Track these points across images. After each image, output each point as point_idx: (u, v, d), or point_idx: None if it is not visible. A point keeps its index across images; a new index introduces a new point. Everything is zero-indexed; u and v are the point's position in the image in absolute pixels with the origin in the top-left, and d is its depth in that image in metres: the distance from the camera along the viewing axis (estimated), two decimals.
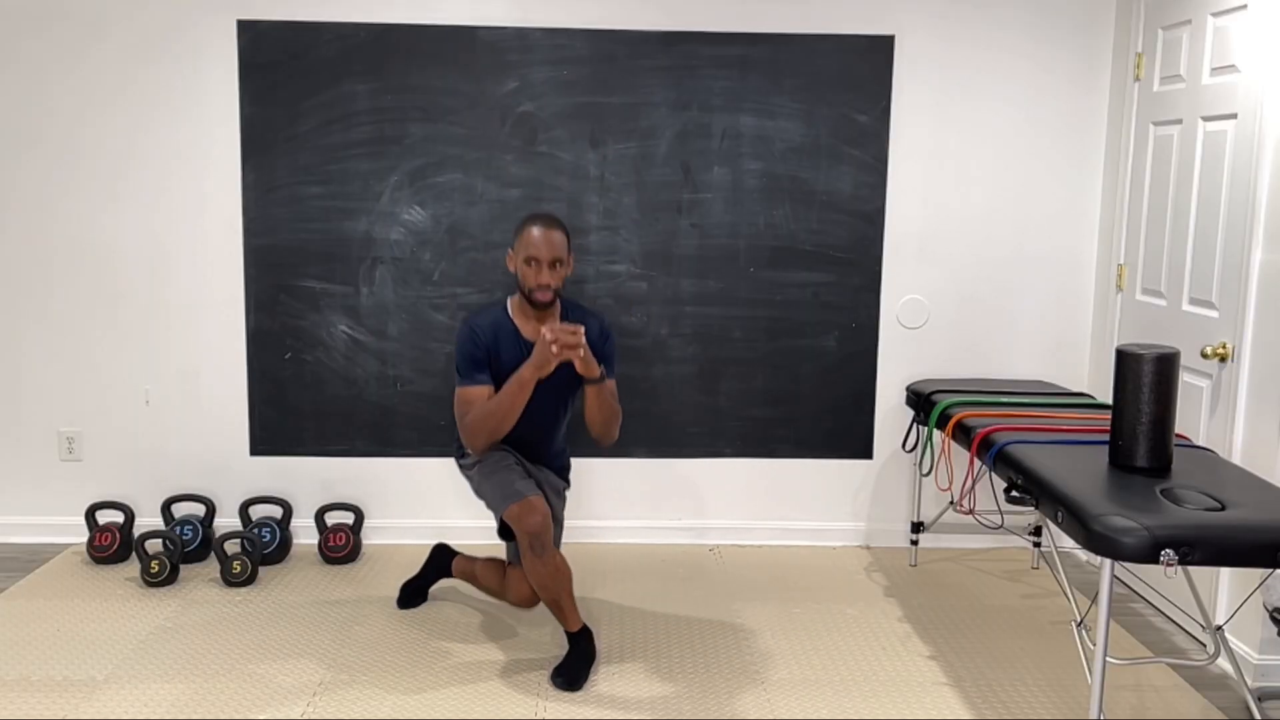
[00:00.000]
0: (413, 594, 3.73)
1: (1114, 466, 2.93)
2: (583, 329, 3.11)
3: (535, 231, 3.25)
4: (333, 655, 3.35)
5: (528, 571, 3.19)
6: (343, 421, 4.27)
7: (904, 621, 3.67)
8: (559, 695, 3.12)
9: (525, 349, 3.26)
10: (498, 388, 3.25)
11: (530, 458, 3.41)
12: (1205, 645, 3.50)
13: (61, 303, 4.20)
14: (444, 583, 3.84)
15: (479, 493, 3.37)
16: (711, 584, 3.98)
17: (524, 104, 4.12)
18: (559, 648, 3.33)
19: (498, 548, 4.15)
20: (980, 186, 4.25)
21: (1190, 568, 2.89)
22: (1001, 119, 4.22)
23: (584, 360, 3.12)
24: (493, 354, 3.29)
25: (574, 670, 3.19)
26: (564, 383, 3.28)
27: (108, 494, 4.27)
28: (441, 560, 3.74)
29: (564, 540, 3.50)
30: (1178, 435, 3.17)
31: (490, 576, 3.50)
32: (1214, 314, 3.50)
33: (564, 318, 3.35)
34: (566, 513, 3.57)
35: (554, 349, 3.06)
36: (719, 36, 4.11)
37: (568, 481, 3.57)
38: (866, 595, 3.89)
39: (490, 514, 3.37)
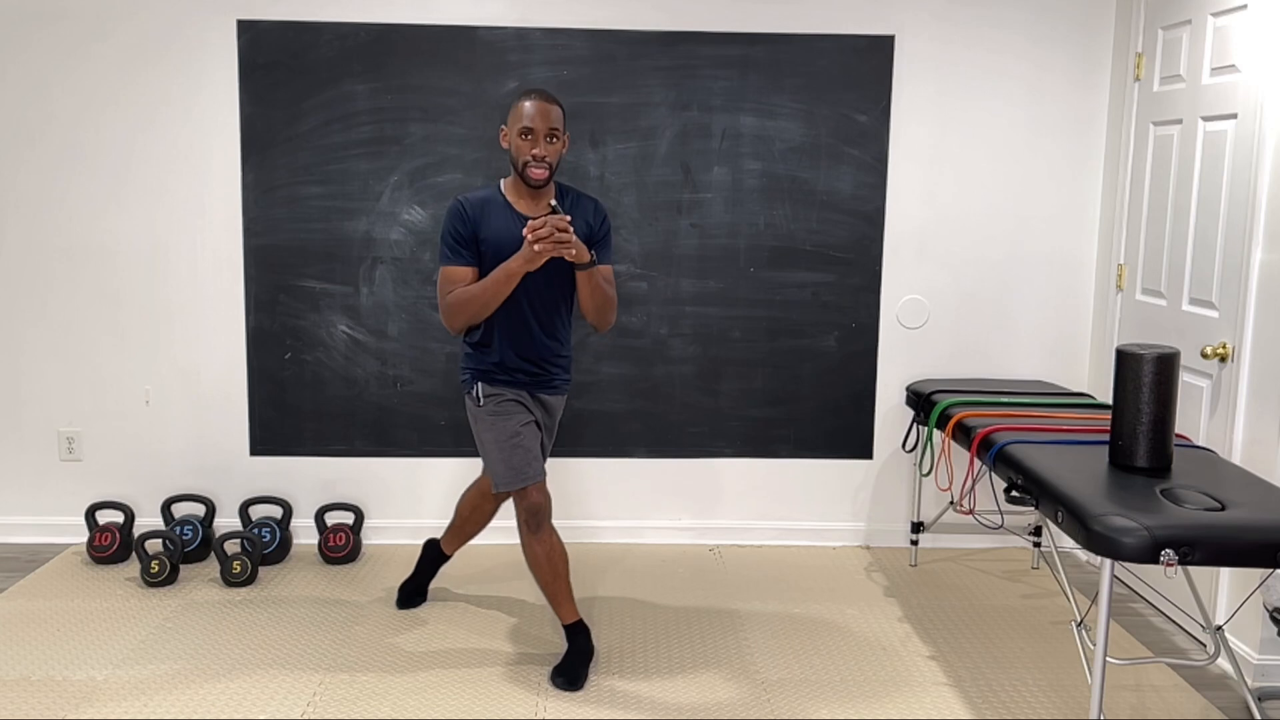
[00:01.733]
0: (411, 594, 3.73)
1: (1114, 466, 2.93)
2: (568, 219, 2.98)
3: (530, 103, 3.08)
4: (333, 655, 3.34)
5: (523, 546, 3.19)
6: (343, 421, 4.27)
7: (904, 621, 3.67)
8: (559, 695, 3.12)
9: (517, 221, 3.13)
10: (486, 264, 3.14)
11: (534, 356, 3.25)
12: (1205, 645, 3.50)
13: (61, 303, 4.20)
14: (442, 583, 3.84)
15: (479, 440, 3.24)
16: (711, 584, 3.98)
17: None
18: (559, 647, 3.33)
19: (495, 549, 4.16)
20: (980, 186, 4.25)
21: (1190, 568, 2.89)
22: (1001, 119, 4.22)
23: (574, 250, 2.98)
24: (480, 229, 3.15)
25: (574, 669, 3.19)
26: (561, 270, 3.16)
27: (108, 494, 4.28)
28: (432, 552, 3.74)
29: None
30: (1178, 435, 3.18)
31: (467, 514, 3.53)
32: (1214, 314, 3.50)
33: (558, 199, 3.22)
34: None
35: (535, 248, 2.94)
36: (719, 36, 4.11)
37: (569, 382, 3.38)
38: (866, 595, 3.89)
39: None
